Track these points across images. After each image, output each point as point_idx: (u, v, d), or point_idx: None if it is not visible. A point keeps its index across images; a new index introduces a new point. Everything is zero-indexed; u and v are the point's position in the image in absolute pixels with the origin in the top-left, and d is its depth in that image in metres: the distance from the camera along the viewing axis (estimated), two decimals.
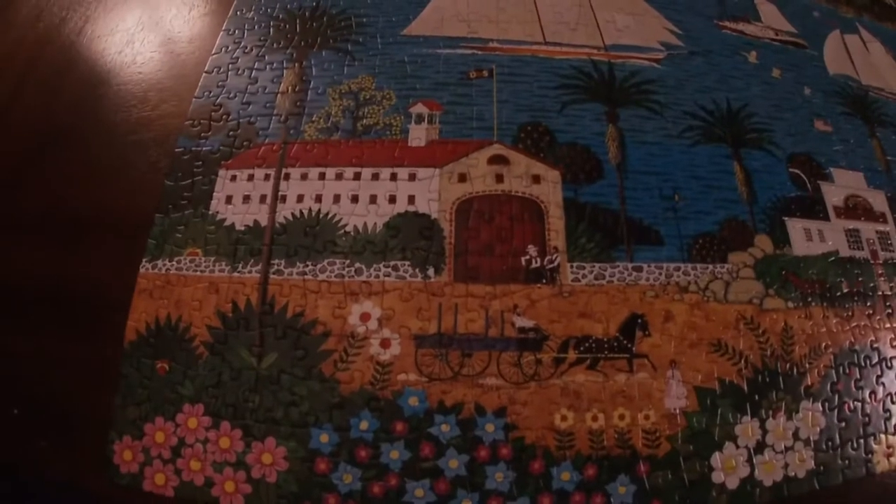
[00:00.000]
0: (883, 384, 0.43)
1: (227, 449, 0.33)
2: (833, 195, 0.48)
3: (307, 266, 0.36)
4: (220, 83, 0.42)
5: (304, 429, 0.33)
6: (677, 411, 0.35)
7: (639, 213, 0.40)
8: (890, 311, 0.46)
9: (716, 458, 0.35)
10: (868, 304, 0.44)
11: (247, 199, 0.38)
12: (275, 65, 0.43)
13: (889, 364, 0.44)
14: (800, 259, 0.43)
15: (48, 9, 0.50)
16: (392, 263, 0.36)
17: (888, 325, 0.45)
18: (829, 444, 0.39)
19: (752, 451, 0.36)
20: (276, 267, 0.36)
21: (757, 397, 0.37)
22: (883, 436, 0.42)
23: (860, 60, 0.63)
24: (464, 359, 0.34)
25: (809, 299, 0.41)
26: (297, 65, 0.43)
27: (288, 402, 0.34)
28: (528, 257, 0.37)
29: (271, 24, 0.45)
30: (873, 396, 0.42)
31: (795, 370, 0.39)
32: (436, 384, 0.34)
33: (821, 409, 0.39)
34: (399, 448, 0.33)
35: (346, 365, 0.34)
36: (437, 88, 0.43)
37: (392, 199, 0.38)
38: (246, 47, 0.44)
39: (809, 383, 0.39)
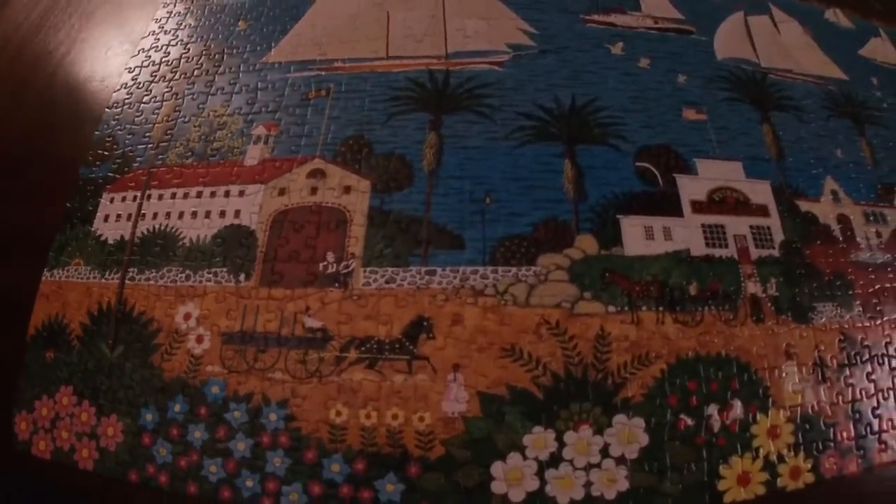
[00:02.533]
0: (739, 400, 0.39)
1: (85, 422, 0.41)
2: (692, 189, 0.44)
3: (153, 273, 0.43)
4: (115, 117, 0.51)
5: (136, 408, 0.40)
6: (456, 415, 0.35)
7: (444, 218, 0.41)
8: (759, 315, 0.41)
9: (497, 468, 0.34)
10: (726, 307, 0.41)
11: (118, 217, 0.46)
12: (157, 98, 0.50)
13: (751, 377, 0.39)
14: (633, 259, 0.40)
15: None
16: (213, 270, 0.42)
17: (754, 332, 0.40)
18: (655, 465, 0.36)
19: (543, 464, 0.35)
20: (131, 274, 0.44)
21: (555, 407, 0.36)
22: (737, 459, 0.38)
23: (765, 42, 0.57)
24: (258, 354, 0.39)
25: (640, 303, 0.39)
26: (174, 97, 0.51)
27: (127, 386, 0.41)
28: (325, 263, 0.40)
29: (162, 60, 0.53)
30: (724, 414, 0.38)
31: (610, 380, 0.37)
32: (233, 376, 0.38)
33: (643, 424, 0.36)
34: (201, 429, 0.38)
35: (169, 356, 0.40)
36: (277, 110, 0.47)
37: (222, 214, 0.44)
38: (140, 84, 0.52)
39: (629, 395, 0.37)
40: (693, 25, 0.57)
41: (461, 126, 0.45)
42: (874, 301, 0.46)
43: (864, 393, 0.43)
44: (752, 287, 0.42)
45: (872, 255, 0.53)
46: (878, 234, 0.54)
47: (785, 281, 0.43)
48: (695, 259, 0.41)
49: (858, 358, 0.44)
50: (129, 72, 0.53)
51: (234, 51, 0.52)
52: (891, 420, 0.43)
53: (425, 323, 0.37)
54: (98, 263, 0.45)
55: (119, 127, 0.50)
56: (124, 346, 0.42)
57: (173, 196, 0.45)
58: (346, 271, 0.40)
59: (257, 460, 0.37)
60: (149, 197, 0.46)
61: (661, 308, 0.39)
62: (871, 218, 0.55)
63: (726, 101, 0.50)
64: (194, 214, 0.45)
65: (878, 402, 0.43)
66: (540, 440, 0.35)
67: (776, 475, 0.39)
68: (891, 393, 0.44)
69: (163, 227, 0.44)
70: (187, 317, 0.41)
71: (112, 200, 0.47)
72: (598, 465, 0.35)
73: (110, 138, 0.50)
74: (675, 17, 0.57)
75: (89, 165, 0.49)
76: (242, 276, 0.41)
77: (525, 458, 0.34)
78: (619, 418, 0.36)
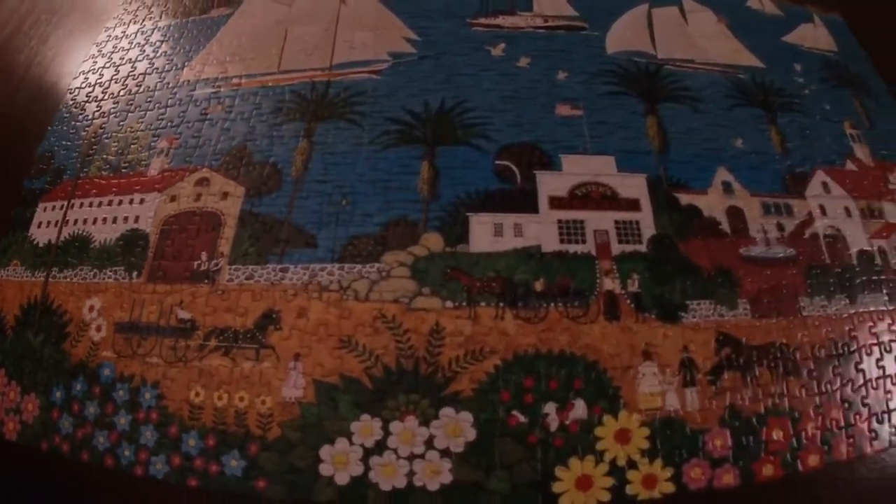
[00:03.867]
0: (583, 398, 0.38)
1: (12, 399, 0.48)
2: (553, 185, 0.45)
3: (70, 272, 0.49)
4: (56, 134, 0.58)
5: (49, 387, 0.46)
6: (293, 400, 0.39)
7: (303, 219, 0.45)
8: (615, 312, 0.41)
9: (325, 451, 0.37)
10: (576, 304, 0.40)
11: (48, 224, 0.53)
12: (87, 117, 0.57)
13: (599, 376, 0.38)
14: (479, 256, 0.42)
15: None
16: (115, 268, 0.47)
17: (607, 330, 0.38)
18: (482, 460, 0.36)
19: (369, 450, 0.37)
20: (54, 273, 0.50)
21: (383, 397, 0.38)
22: (576, 461, 0.37)
23: (667, 33, 0.57)
24: (141, 341, 0.44)
25: (479, 299, 0.40)
26: (101, 116, 0.57)
27: (44, 368, 0.47)
28: (199, 262, 0.45)
29: (96, 82, 0.58)
30: (563, 413, 0.38)
31: (440, 374, 0.38)
32: (121, 360, 0.44)
33: (471, 419, 0.37)
34: (94, 405, 0.44)
35: (76, 343, 0.47)
36: (180, 125, 0.52)
37: (126, 220, 0.49)
38: (77, 104, 0.59)
39: (457, 389, 0.38)
40: (587, 22, 0.57)
41: (332, 133, 0.48)
42: (765, 299, 0.44)
43: (745, 398, 0.40)
44: (609, 284, 0.42)
45: (769, 249, 0.51)
46: (780, 227, 0.52)
47: (651, 277, 0.42)
48: (545, 255, 0.42)
49: (740, 360, 0.41)
50: (70, 93, 0.61)
51: (155, 71, 0.58)
52: (781, 429, 0.40)
53: (274, 315, 0.41)
54: (30, 264, 0.52)
55: (57, 143, 0.58)
56: (44, 335, 0.48)
57: (91, 205, 0.52)
58: (215, 269, 0.45)
59: (134, 433, 0.42)
60: (72, 206, 0.53)
61: (501, 304, 0.40)
62: (773, 210, 0.53)
63: (609, 94, 0.50)
64: (105, 220, 0.51)
65: (763, 408, 0.40)
66: (367, 428, 0.37)
67: (625, 482, 0.37)
68: (784, 399, 0.41)
69: (80, 232, 0.51)
70: (91, 309, 0.47)
71: (45, 209, 0.54)
72: (422, 456, 0.36)
73: (49, 153, 0.57)
74: (568, 15, 0.57)
75: (31, 178, 0.56)
76: (135, 274, 0.47)
77: (352, 443, 0.37)
78: (447, 411, 0.37)
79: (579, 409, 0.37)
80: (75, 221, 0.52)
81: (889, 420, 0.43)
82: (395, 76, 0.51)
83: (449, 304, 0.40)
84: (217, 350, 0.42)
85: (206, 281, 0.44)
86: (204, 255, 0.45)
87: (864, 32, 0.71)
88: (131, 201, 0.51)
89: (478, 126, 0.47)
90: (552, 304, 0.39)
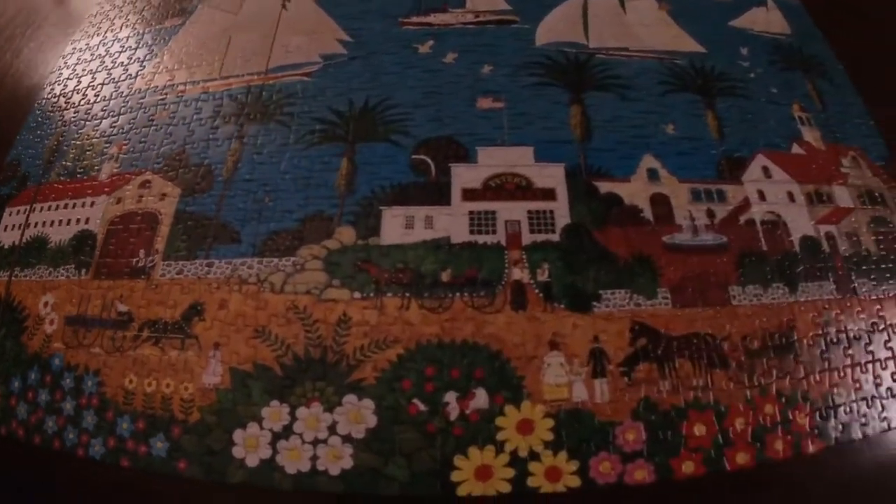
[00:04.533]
0: (484, 387, 0.37)
1: None
2: (467, 177, 0.46)
3: (30, 271, 0.53)
4: (23, 143, 0.62)
5: (9, 377, 0.50)
6: (211, 387, 0.41)
7: (230, 217, 0.47)
8: (521, 302, 0.41)
9: (238, 435, 0.39)
10: (482, 294, 0.41)
11: (13, 227, 0.57)
12: (50, 126, 0.61)
13: (502, 366, 0.37)
14: (390, 248, 0.43)
15: None
16: (67, 267, 0.51)
17: (513, 320, 0.38)
18: (383, 447, 0.37)
19: (277, 435, 0.38)
20: (16, 272, 0.54)
21: (291, 384, 0.40)
22: (475, 451, 0.36)
23: (602, 22, 0.57)
24: (86, 333, 0.47)
25: (386, 290, 0.41)
26: (62, 125, 0.60)
27: (6, 360, 0.50)
28: (137, 258, 0.48)
29: (60, 93, 0.62)
30: (463, 402, 0.37)
31: (345, 362, 0.39)
32: (69, 350, 0.47)
33: (372, 406, 0.38)
34: (46, 393, 0.47)
35: (32, 336, 0.50)
36: (130, 131, 0.55)
37: (78, 221, 0.53)
38: (43, 113, 0.63)
39: (361, 377, 0.39)
40: (518, 15, 0.58)
41: (262, 135, 0.51)
42: (689, 288, 0.43)
43: (663, 391, 0.38)
44: (518, 273, 0.42)
45: (696, 236, 0.50)
46: (711, 214, 0.51)
47: (563, 266, 0.42)
48: (454, 246, 0.43)
49: (658, 351, 0.40)
50: (38, 103, 0.65)
51: (112, 81, 0.61)
52: (704, 424, 0.38)
53: (199, 307, 0.44)
54: None
55: (24, 151, 0.61)
56: (6, 329, 0.52)
57: (49, 208, 0.55)
58: (150, 265, 0.47)
59: (77, 417, 0.45)
60: (34, 210, 0.57)
61: (407, 295, 0.41)
62: (703, 196, 0.52)
63: (533, 86, 0.51)
64: (60, 223, 0.54)
65: (684, 401, 0.39)
66: (275, 413, 0.39)
67: (526, 473, 0.37)
68: (708, 392, 0.39)
69: (39, 234, 0.54)
70: (46, 305, 0.50)
71: (10, 214, 0.58)
72: (326, 442, 0.38)
73: (17, 161, 0.61)
74: (500, 9, 0.58)
75: (0, 184, 0.61)
76: (84, 271, 0.50)
77: (262, 428, 0.39)
78: (350, 398, 0.38)
79: (480, 398, 0.37)
80: (35, 224, 0.56)
81: (835, 416, 0.41)
82: (324, 77, 0.53)
83: (357, 294, 0.41)
84: (149, 340, 0.44)
85: (143, 276, 0.47)
86: (142, 253, 0.48)
87: (821, 13, 0.70)
88: (83, 204, 0.54)
89: (398, 122, 0.49)
90: (457, 294, 0.40)
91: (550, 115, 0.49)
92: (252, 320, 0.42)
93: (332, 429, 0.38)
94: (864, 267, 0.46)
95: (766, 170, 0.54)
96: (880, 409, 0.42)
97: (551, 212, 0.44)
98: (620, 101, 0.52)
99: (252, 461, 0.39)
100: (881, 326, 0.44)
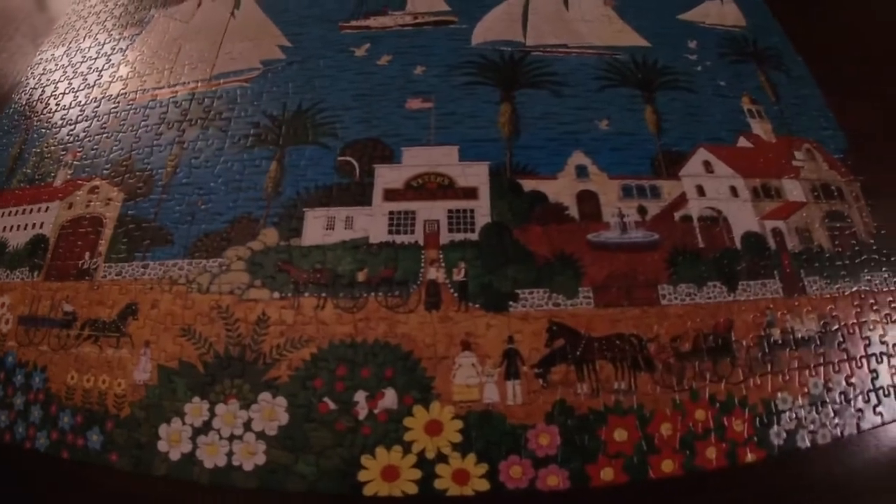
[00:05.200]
0: (394, 387, 0.37)
1: None
2: (390, 178, 0.47)
3: None
4: None
5: None
6: (141, 383, 0.43)
7: (166, 220, 0.49)
8: (435, 302, 0.41)
9: (163, 429, 0.41)
10: (396, 294, 0.41)
11: None
12: (14, 135, 0.63)
13: (412, 366, 0.37)
14: (309, 249, 0.44)
15: None
16: (21, 269, 0.53)
17: (425, 320, 0.38)
18: (294, 444, 0.36)
19: (197, 430, 0.40)
20: None
21: (212, 381, 0.41)
22: (382, 451, 0.36)
23: (541, 20, 0.58)
24: (35, 332, 0.50)
25: (304, 290, 0.42)
26: (25, 133, 0.63)
27: None
28: (83, 261, 0.50)
29: (26, 102, 0.65)
30: (372, 401, 0.37)
31: (261, 360, 0.40)
32: (21, 349, 0.50)
33: (285, 404, 0.38)
34: (0, 389, 0.50)
35: None
36: (84, 139, 0.58)
37: (34, 226, 0.55)
38: (8, 123, 0.65)
39: (276, 375, 0.40)
40: (457, 15, 0.58)
41: (201, 140, 0.53)
42: (614, 287, 0.42)
43: (581, 394, 0.37)
44: (434, 273, 0.42)
45: (625, 234, 0.49)
46: (642, 210, 0.51)
47: (480, 266, 0.42)
48: (372, 246, 0.44)
49: (576, 352, 0.39)
50: (6, 112, 0.68)
51: (71, 91, 0.64)
52: (625, 429, 0.37)
53: (133, 307, 0.46)
54: None
55: None
56: None
57: (9, 214, 0.58)
58: (94, 267, 0.50)
59: (26, 412, 0.48)
60: None
61: (323, 294, 0.42)
62: (635, 192, 0.51)
63: (464, 85, 0.52)
64: (18, 227, 0.57)
65: (603, 405, 0.37)
66: (197, 409, 0.40)
67: (434, 475, 0.36)
68: (631, 396, 0.37)
69: (0, 239, 0.58)
70: (2, 305, 0.53)
71: None
72: (241, 438, 0.39)
73: None
74: (439, 10, 0.59)
75: None
76: (36, 273, 0.53)
77: (184, 423, 0.40)
78: (264, 396, 0.39)
79: (389, 398, 0.37)
80: None
81: (777, 422, 0.38)
82: (262, 82, 0.54)
83: (276, 294, 0.42)
84: (89, 338, 0.47)
85: (87, 278, 0.49)
86: (87, 255, 0.50)
87: (779, 4, 0.68)
88: (39, 210, 0.57)
89: (327, 125, 0.50)
90: (372, 294, 0.40)
91: (478, 114, 0.49)
92: (179, 319, 0.44)
93: (247, 425, 0.39)
94: (815, 264, 0.45)
95: (707, 164, 0.53)
96: (832, 415, 0.39)
97: (472, 211, 0.45)
98: (553, 97, 0.52)
99: (174, 455, 0.40)
100: (834, 327, 0.42)
